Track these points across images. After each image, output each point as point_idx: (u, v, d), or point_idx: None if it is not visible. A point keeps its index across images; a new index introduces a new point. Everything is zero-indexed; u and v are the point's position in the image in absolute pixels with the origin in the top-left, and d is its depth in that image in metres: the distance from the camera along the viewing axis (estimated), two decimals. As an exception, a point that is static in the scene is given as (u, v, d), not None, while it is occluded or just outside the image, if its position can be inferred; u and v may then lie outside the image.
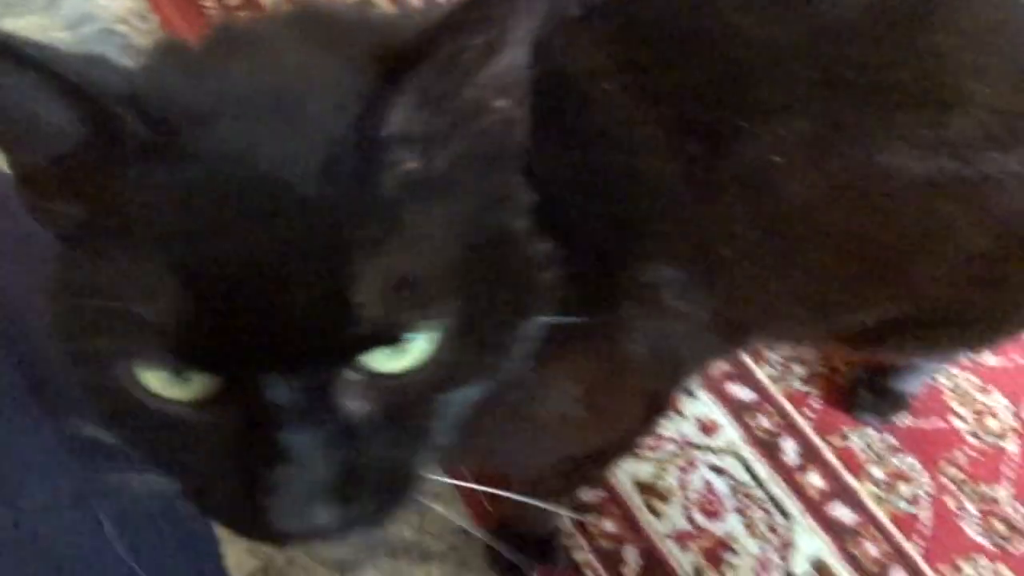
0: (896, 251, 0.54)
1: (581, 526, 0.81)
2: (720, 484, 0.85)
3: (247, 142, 0.31)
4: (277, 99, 0.32)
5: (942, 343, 0.70)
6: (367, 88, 0.32)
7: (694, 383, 0.90)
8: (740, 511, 0.83)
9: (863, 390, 0.90)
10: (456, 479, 0.81)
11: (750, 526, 0.82)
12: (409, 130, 0.32)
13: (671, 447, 0.86)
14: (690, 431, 0.87)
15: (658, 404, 0.61)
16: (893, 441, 0.89)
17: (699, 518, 0.82)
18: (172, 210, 0.30)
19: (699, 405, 0.89)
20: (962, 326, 0.65)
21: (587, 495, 0.82)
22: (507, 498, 0.76)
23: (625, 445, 0.64)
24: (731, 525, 0.82)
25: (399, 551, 0.79)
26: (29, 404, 0.44)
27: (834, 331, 0.65)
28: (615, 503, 0.82)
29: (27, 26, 1.18)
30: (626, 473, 0.84)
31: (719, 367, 0.92)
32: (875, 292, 0.58)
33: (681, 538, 0.81)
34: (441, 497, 0.82)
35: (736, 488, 0.84)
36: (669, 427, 0.87)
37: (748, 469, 0.86)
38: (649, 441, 0.86)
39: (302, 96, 0.32)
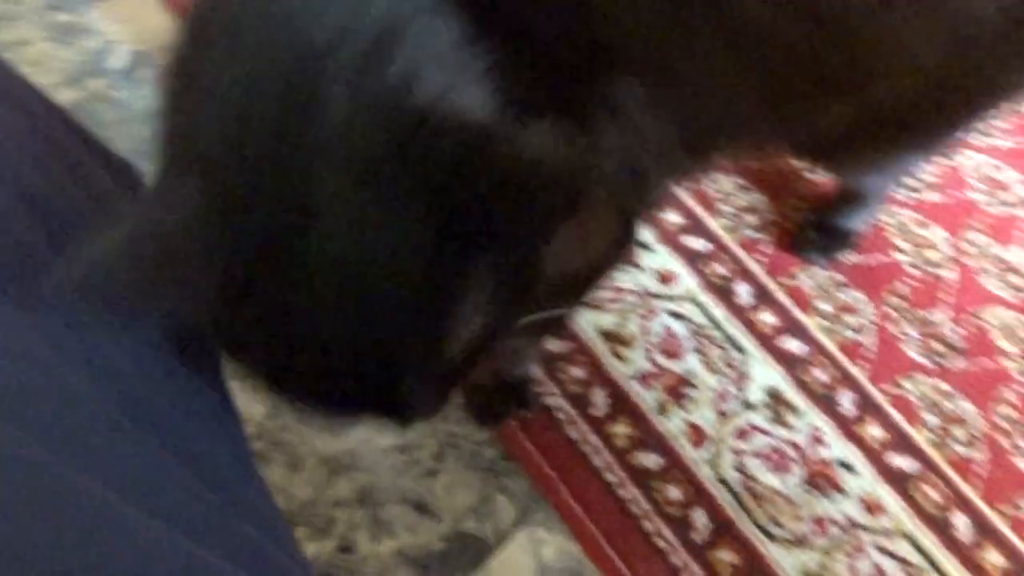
0: (851, 62, 0.56)
1: (551, 373, 0.86)
2: (679, 328, 0.90)
3: None
4: None
5: (897, 148, 0.74)
6: None
7: (649, 232, 0.94)
8: (698, 351, 0.89)
9: (810, 230, 0.94)
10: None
11: (708, 363, 0.88)
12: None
13: (632, 298, 0.91)
14: (649, 282, 0.92)
15: (628, 229, 0.64)
16: (839, 277, 0.94)
17: (660, 359, 0.88)
18: None
19: (656, 257, 0.94)
20: (915, 130, 0.68)
21: (554, 346, 0.87)
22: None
23: (597, 273, 0.66)
24: (690, 364, 0.88)
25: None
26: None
27: (792, 140, 0.68)
28: (581, 352, 0.88)
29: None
30: (590, 324, 0.89)
31: (673, 221, 0.96)
32: (830, 101, 0.60)
33: (644, 379, 0.87)
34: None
35: (695, 331, 0.90)
36: (628, 280, 0.92)
37: (705, 312, 0.91)
38: (610, 294, 0.91)
39: None
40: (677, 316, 0.91)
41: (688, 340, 0.89)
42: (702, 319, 0.91)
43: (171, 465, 0.37)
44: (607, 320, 0.90)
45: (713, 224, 0.97)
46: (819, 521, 0.81)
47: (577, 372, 0.87)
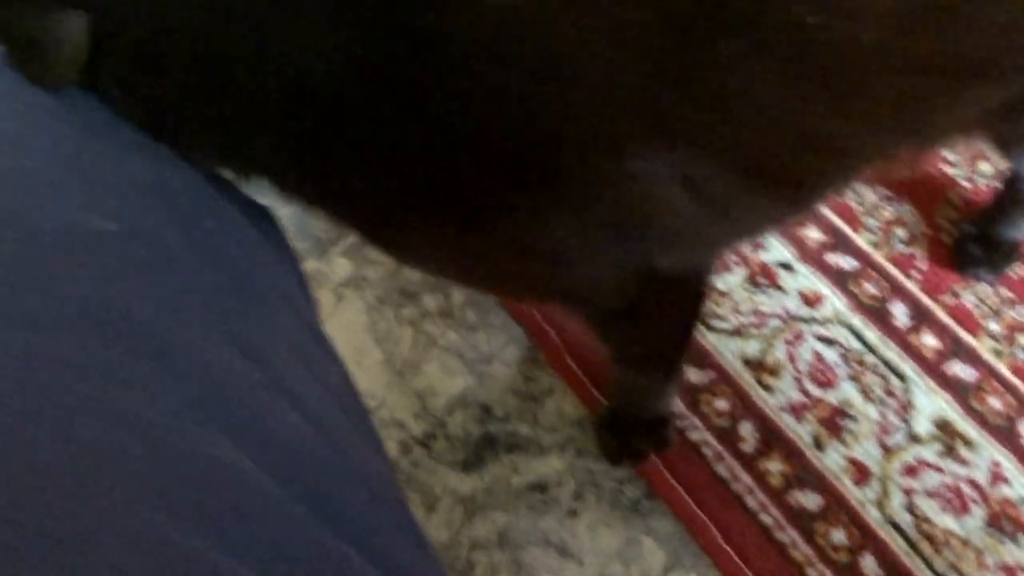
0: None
1: (693, 406, 0.81)
2: (830, 353, 0.83)
3: None
4: None
5: None
6: None
7: (793, 256, 0.88)
8: (853, 378, 0.82)
9: (971, 244, 0.86)
10: (564, 370, 0.82)
11: (865, 392, 0.81)
12: None
13: (775, 323, 0.85)
14: (792, 305, 0.86)
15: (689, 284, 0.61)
16: (1009, 294, 0.86)
17: (812, 388, 0.82)
18: None
19: (799, 278, 0.87)
20: None
21: (695, 377, 0.82)
22: (618, 385, 0.77)
23: (672, 312, 0.63)
24: (845, 393, 0.81)
25: (517, 447, 0.81)
26: None
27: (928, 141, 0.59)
28: (725, 382, 0.82)
29: None
30: (732, 351, 0.83)
31: (814, 238, 0.89)
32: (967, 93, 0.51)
33: (796, 410, 0.80)
34: (554, 392, 0.84)
35: (847, 357, 0.83)
36: (770, 303, 0.86)
37: (857, 336, 0.84)
38: (751, 319, 0.85)
39: None
40: (826, 341, 0.84)
41: (840, 367, 0.83)
42: (854, 344, 0.84)
43: None
44: (750, 347, 0.84)
45: (859, 240, 0.90)
46: (1008, 569, 0.72)
47: (721, 404, 0.81)
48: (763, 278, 0.88)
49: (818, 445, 0.79)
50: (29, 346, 0.28)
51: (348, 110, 0.43)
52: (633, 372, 0.73)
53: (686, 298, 0.63)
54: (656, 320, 0.63)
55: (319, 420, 0.35)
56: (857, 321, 0.85)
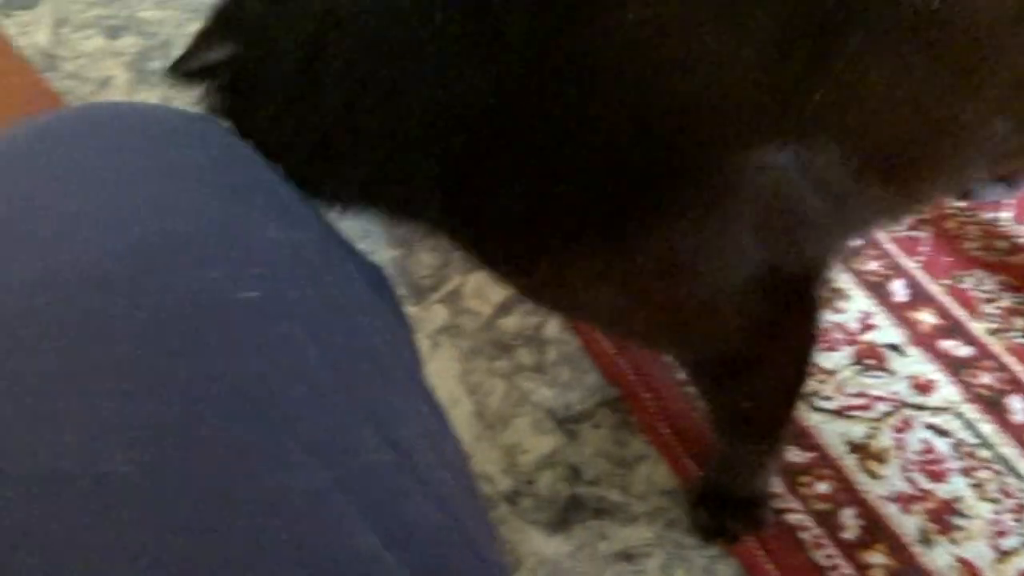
0: None
1: (792, 487, 0.78)
2: (941, 444, 0.79)
3: None
4: None
5: None
6: None
7: (903, 339, 0.85)
8: (966, 473, 0.78)
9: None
10: (657, 437, 0.80)
11: (979, 489, 0.77)
12: None
13: (883, 406, 0.82)
14: (903, 389, 0.82)
15: (804, 297, 0.58)
16: None
17: (920, 479, 0.78)
18: None
19: (910, 363, 0.84)
20: None
21: (796, 456, 0.79)
22: (716, 456, 0.75)
23: (785, 354, 0.60)
24: (957, 487, 0.77)
25: (605, 512, 0.79)
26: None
27: None
28: (827, 465, 0.79)
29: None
30: (836, 433, 0.80)
31: (928, 322, 0.86)
32: None
33: (902, 501, 0.76)
34: (646, 458, 0.82)
35: (959, 448, 0.79)
36: (879, 386, 0.83)
37: (971, 428, 0.80)
38: (858, 401, 0.82)
39: None
40: (937, 431, 0.80)
41: (952, 459, 0.78)
42: (968, 436, 0.80)
43: None
44: (855, 430, 0.80)
45: (975, 327, 0.86)
46: None
47: (823, 488, 0.78)
48: (871, 359, 0.84)
49: (925, 541, 0.74)
50: (186, 420, 0.28)
51: (497, 135, 0.44)
52: (735, 439, 0.71)
53: (798, 343, 0.61)
54: (766, 371, 0.62)
55: (452, 513, 0.34)
56: (971, 412, 0.81)
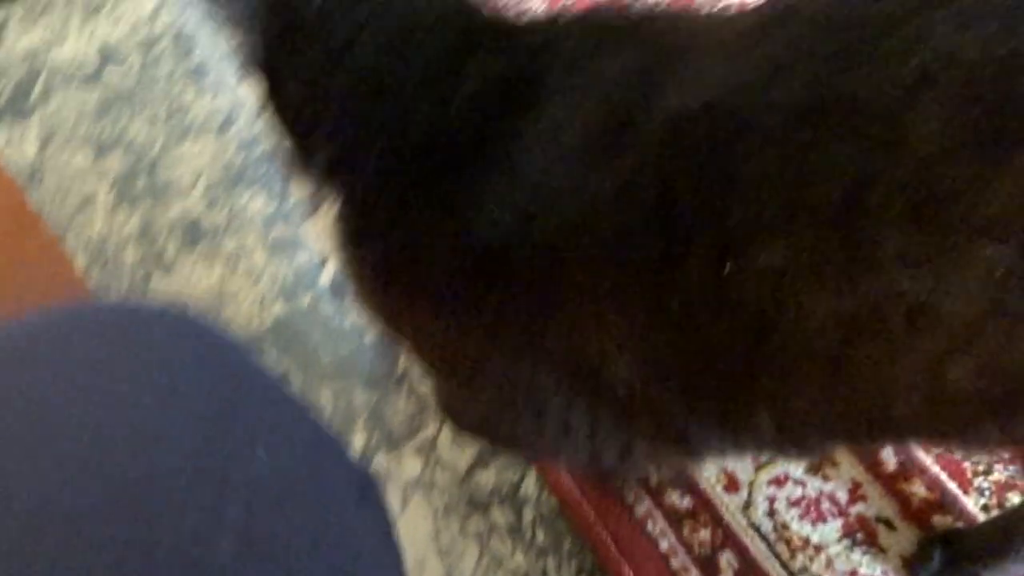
0: None
1: None
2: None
3: None
4: None
5: None
6: None
7: (894, 513, 0.81)
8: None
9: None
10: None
11: None
12: None
13: (875, 588, 0.77)
14: (893, 568, 0.79)
15: None
16: None
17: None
18: None
19: (901, 539, 0.80)
20: None
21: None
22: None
23: None
24: None
25: None
26: None
27: None
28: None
29: (202, 149, 1.26)
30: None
31: (920, 495, 0.83)
32: None
33: None
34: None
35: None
36: (869, 565, 0.79)
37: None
38: (849, 580, 0.78)
39: None
40: (932, 617, 0.76)
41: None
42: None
43: None
44: (846, 615, 0.76)
45: (967, 501, 0.83)
46: None
47: None
48: (862, 533, 0.81)
49: None
50: None
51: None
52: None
53: None
54: None
55: None
56: (967, 597, 0.77)
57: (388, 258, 0.57)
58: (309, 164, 0.61)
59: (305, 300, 1.06)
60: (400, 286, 0.58)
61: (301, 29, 0.57)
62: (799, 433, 0.48)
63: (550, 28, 0.56)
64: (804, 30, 0.44)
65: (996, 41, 0.36)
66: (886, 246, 0.38)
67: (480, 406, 0.66)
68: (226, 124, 1.30)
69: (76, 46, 1.48)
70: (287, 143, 0.62)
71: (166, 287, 1.10)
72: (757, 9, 0.50)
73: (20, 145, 1.31)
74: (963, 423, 0.44)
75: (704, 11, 0.55)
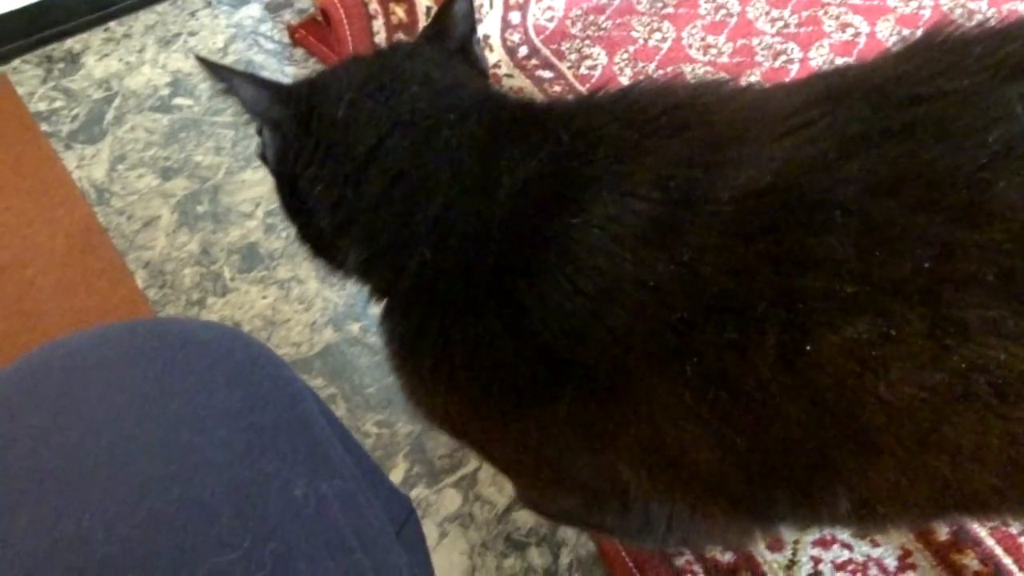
0: None
1: None
2: None
3: None
4: None
5: None
6: None
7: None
8: None
9: None
10: None
11: None
12: None
13: (923, 661, 0.74)
14: (945, 643, 0.75)
15: None
16: None
17: None
18: None
19: (953, 611, 0.77)
20: None
21: None
22: None
23: None
24: None
25: None
26: None
27: None
28: None
29: (263, 177, 1.29)
30: None
31: (972, 568, 0.80)
32: None
33: None
34: None
35: None
36: (919, 636, 0.76)
37: None
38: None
39: None
40: None
41: None
42: None
43: None
44: None
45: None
46: None
47: None
48: (910, 603, 0.78)
49: None
50: None
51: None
52: None
53: None
54: None
55: None
56: None
57: (448, 363, 0.53)
58: (337, 261, 0.62)
59: (354, 329, 1.08)
60: (463, 392, 0.54)
61: (327, 135, 0.57)
62: (876, 510, 0.46)
63: (587, 111, 0.54)
64: (868, 105, 0.43)
65: None
66: (973, 316, 0.37)
67: (563, 502, 0.64)
68: (287, 155, 1.34)
69: (150, 75, 1.55)
70: (304, 242, 0.63)
71: (220, 308, 1.13)
72: (806, 82, 0.50)
73: (91, 166, 1.37)
74: None
75: (744, 83, 0.55)
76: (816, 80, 0.49)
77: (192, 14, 1.67)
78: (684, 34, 1.42)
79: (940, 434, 0.40)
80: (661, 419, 0.46)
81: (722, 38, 1.40)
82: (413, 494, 0.91)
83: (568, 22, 1.47)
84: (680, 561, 0.82)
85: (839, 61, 1.33)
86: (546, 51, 1.43)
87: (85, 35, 1.66)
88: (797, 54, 1.34)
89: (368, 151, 0.55)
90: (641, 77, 1.35)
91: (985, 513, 0.57)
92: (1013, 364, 0.37)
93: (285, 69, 1.53)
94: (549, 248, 0.48)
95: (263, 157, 0.64)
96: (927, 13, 1.37)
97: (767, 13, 1.43)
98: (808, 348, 0.40)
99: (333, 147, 0.57)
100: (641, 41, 1.42)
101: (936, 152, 0.40)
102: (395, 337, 0.58)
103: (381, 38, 1.45)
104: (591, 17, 1.48)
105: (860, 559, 0.81)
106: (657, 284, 0.44)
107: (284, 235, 1.20)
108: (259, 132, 0.62)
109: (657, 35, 1.43)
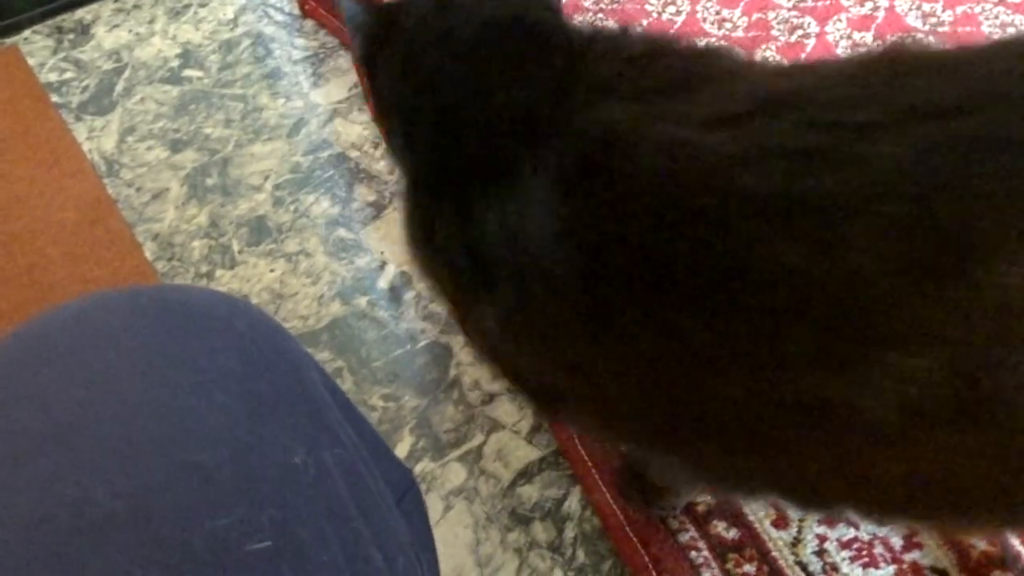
0: None
1: None
2: None
3: None
4: None
5: None
6: None
7: (950, 564, 0.78)
8: None
9: None
10: None
11: None
12: None
13: (927, 640, 0.74)
14: (949, 622, 0.75)
15: None
16: None
17: None
18: None
19: (959, 591, 0.77)
20: None
21: None
22: None
23: None
24: None
25: None
26: None
27: None
28: None
29: (272, 150, 1.29)
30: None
31: (979, 549, 0.80)
32: None
33: None
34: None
35: None
36: (923, 615, 0.76)
37: None
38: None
39: None
40: (987, 676, 0.72)
41: None
42: None
43: None
44: (895, 665, 0.73)
45: (1031, 558, 0.79)
46: None
47: None
48: (915, 582, 0.78)
49: None
50: None
51: None
52: None
53: None
54: None
55: None
56: (1026, 659, 0.73)
57: None
58: (391, 142, 0.68)
59: (362, 303, 1.08)
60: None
61: (397, 32, 0.63)
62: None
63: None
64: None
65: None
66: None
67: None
68: (296, 128, 1.33)
69: (160, 46, 1.54)
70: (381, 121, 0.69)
71: (229, 281, 1.13)
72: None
73: (101, 137, 1.37)
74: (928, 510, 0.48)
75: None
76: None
77: (202, -15, 1.66)
78: (699, 7, 1.40)
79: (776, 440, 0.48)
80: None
81: (737, 11, 1.38)
82: (418, 468, 0.91)
83: (581, -5, 1.45)
84: (685, 537, 0.82)
85: (856, 36, 1.31)
86: (558, 24, 1.41)
87: (95, 6, 1.65)
88: (814, 28, 1.32)
89: (425, 46, 0.60)
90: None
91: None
92: (830, 395, 0.43)
93: (295, 41, 1.52)
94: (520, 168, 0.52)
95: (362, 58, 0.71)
96: (948, -13, 1.34)
97: (784, -14, 1.40)
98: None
99: (398, 43, 0.63)
100: (655, 14, 1.40)
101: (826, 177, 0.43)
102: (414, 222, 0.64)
103: (391, 10, 1.44)
104: (604, -10, 1.46)
105: (866, 537, 0.80)
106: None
107: (293, 208, 1.20)
108: (352, 38, 0.71)
109: (671, 8, 1.41)
